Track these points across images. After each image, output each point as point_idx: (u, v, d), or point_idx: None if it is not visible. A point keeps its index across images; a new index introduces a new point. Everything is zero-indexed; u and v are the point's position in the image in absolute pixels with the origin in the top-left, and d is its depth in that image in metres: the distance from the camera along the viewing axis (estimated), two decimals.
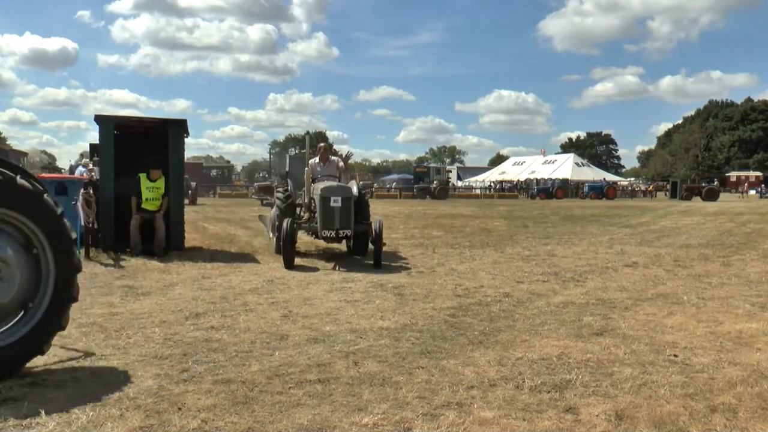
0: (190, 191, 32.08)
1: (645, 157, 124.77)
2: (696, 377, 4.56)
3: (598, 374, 4.61)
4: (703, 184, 54.00)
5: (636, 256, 11.79)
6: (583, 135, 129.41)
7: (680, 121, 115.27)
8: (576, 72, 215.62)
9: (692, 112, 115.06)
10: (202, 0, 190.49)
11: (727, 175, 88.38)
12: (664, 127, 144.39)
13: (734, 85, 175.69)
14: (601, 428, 3.65)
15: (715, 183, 57.92)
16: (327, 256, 11.53)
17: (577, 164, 72.74)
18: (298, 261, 10.37)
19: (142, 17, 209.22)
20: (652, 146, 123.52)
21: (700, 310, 6.95)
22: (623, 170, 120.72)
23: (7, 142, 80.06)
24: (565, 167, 71.17)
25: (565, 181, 60.96)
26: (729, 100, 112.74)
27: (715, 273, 9.67)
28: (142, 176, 11.44)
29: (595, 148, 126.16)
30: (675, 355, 5.10)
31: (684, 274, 9.54)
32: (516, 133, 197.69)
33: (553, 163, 76.09)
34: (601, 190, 55.12)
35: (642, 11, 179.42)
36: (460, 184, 74.60)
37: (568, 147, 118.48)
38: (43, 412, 3.75)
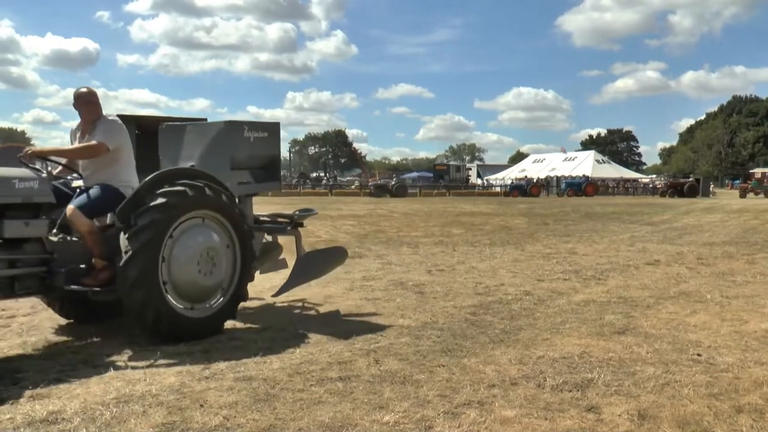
0: None
1: (666, 154, 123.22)
2: (721, 377, 4.49)
3: (620, 373, 4.56)
4: (682, 180, 52.71)
5: (658, 253, 11.65)
6: (603, 132, 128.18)
7: (703, 117, 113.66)
8: (596, 68, 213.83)
9: (715, 108, 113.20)
10: None
11: (751, 171, 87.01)
12: (686, 123, 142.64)
13: (759, 79, 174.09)
14: (623, 428, 3.62)
15: (691, 178, 56.75)
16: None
17: (597, 161, 71.99)
18: None
19: (160, 17, 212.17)
20: (674, 143, 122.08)
21: (724, 308, 6.84)
22: (644, 167, 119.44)
23: (32, 143, 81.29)
24: (586, 164, 70.45)
25: (542, 179, 60.77)
26: (753, 96, 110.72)
27: (740, 271, 9.52)
28: None
29: (615, 145, 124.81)
30: (699, 354, 5.03)
31: (707, 272, 9.41)
32: (536, 130, 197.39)
33: (573, 160, 75.32)
34: (579, 187, 52.42)
35: (662, 5, 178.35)
36: (479, 182, 74.21)
37: (588, 144, 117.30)
38: (68, 409, 3.81)
